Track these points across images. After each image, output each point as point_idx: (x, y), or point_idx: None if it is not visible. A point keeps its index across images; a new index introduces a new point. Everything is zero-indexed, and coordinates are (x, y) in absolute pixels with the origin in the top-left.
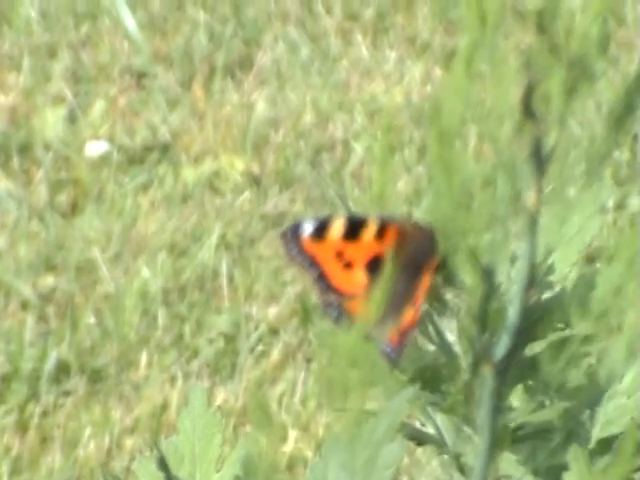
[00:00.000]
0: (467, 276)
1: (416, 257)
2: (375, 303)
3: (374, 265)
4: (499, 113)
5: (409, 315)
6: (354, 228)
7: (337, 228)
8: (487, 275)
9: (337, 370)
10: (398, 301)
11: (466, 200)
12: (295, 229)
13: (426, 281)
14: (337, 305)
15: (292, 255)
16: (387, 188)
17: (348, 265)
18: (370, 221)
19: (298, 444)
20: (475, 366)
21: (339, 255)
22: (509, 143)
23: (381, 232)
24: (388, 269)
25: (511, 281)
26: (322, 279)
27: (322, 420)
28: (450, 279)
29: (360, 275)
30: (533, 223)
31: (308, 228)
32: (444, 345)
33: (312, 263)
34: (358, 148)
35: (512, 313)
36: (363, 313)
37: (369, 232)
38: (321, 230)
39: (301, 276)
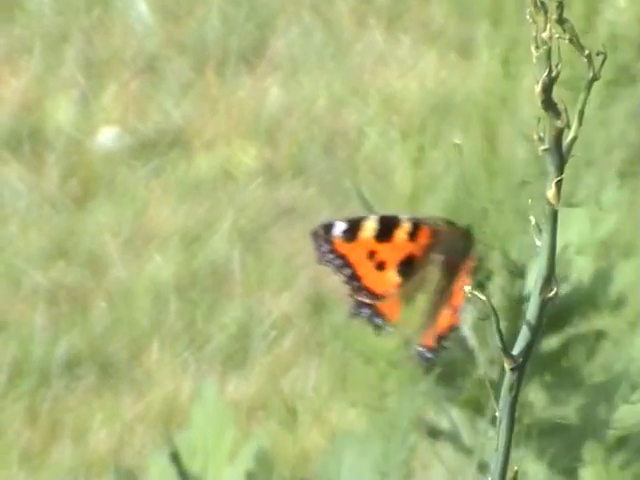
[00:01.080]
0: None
1: (450, 258)
2: (416, 310)
3: (406, 265)
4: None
5: (447, 317)
6: (386, 228)
7: (369, 228)
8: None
9: (358, 368)
10: (434, 302)
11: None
12: (326, 229)
13: (463, 283)
14: (369, 305)
15: (323, 255)
16: (419, 189)
17: (380, 265)
18: (403, 221)
19: (311, 431)
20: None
21: (371, 255)
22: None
23: (414, 232)
24: (432, 274)
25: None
26: (354, 279)
27: (335, 407)
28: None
29: (392, 275)
30: (553, 216)
31: (340, 228)
32: (459, 339)
33: (344, 263)
34: (372, 134)
35: (531, 307)
36: (402, 319)
37: (402, 232)
38: (353, 230)
39: (313, 262)
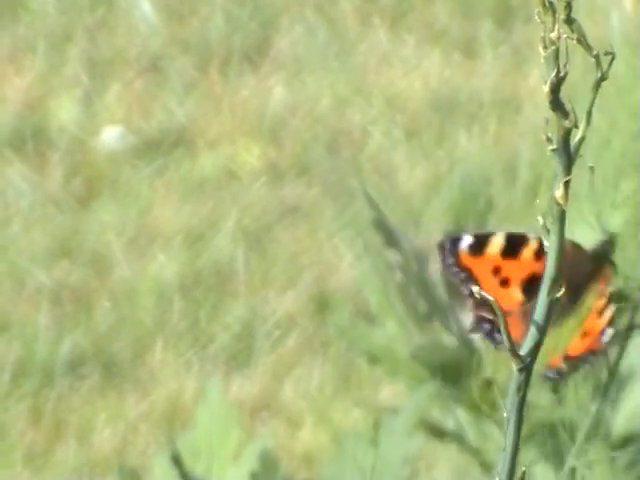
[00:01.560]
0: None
1: (576, 279)
2: (565, 338)
3: (530, 284)
4: None
5: (581, 341)
6: (513, 245)
7: (496, 244)
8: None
9: (362, 368)
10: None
11: None
12: (453, 241)
13: (597, 306)
14: (490, 321)
15: (448, 267)
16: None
17: (504, 282)
18: (530, 239)
19: (314, 430)
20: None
21: (496, 271)
22: None
23: (540, 251)
24: (586, 303)
25: None
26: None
27: (339, 407)
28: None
29: (516, 292)
30: (561, 216)
31: (466, 241)
32: (466, 340)
33: (468, 277)
34: (376, 133)
35: (539, 307)
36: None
37: (528, 250)
38: (479, 245)
39: (318, 262)
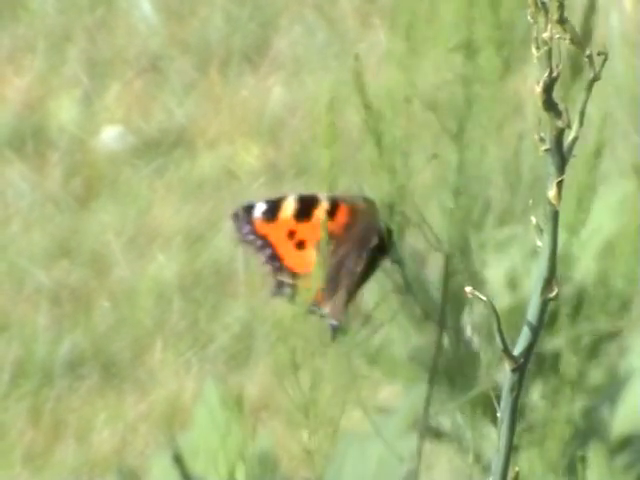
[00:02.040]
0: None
1: (363, 234)
2: (315, 278)
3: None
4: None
5: (348, 288)
6: (305, 208)
7: (288, 208)
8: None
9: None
10: (347, 278)
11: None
12: (247, 210)
13: (365, 256)
14: (290, 285)
15: (244, 236)
16: (334, 166)
17: (300, 245)
18: (321, 200)
19: (315, 432)
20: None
21: (291, 235)
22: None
23: (332, 211)
24: (323, 245)
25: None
26: (275, 259)
27: (338, 406)
28: (397, 256)
29: (312, 254)
30: (554, 216)
31: (260, 208)
32: (463, 341)
33: (264, 244)
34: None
35: (532, 308)
36: (304, 289)
37: (320, 211)
38: (273, 210)
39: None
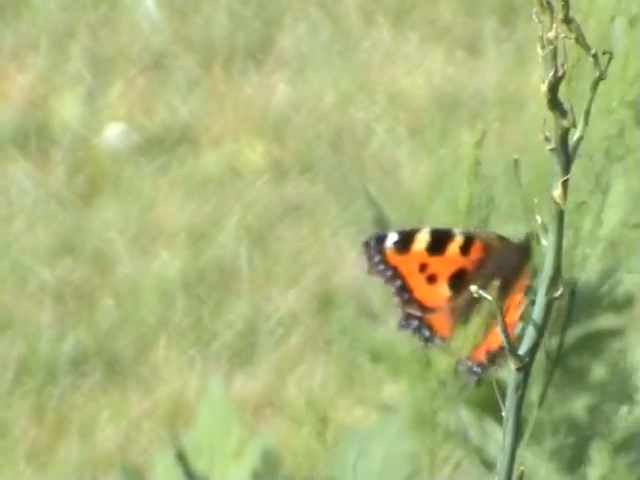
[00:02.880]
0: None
1: (503, 273)
2: (470, 335)
3: (458, 279)
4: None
5: (498, 335)
6: (438, 241)
7: (421, 240)
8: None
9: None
10: (484, 319)
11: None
12: (378, 239)
13: (516, 300)
14: (418, 318)
15: (374, 265)
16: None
17: (431, 278)
18: (455, 234)
19: (317, 428)
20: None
21: (422, 268)
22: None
23: (466, 246)
24: (491, 302)
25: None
26: (404, 291)
27: (342, 405)
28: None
29: (443, 289)
30: (559, 216)
31: (392, 239)
32: None
33: (394, 275)
34: (379, 130)
35: (537, 307)
36: (454, 333)
37: (454, 245)
38: (405, 242)
39: (321, 259)
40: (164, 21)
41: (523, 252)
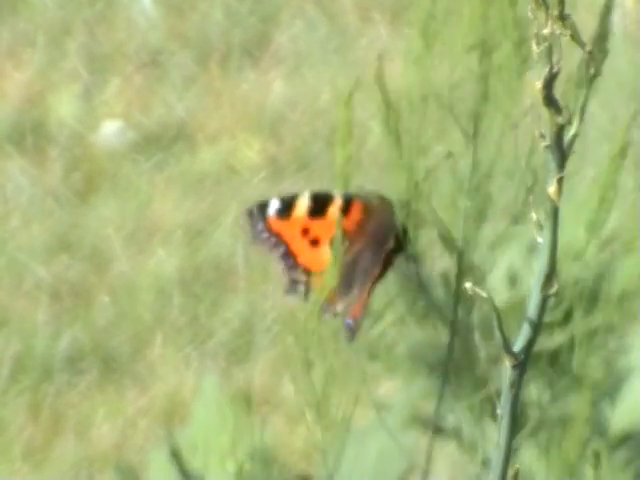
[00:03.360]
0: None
1: (379, 232)
2: (330, 277)
3: (337, 241)
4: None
5: (367, 289)
6: (320, 205)
7: (302, 205)
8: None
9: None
10: (363, 277)
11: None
12: (261, 207)
13: (383, 257)
14: (304, 282)
15: (257, 233)
16: (349, 164)
17: (314, 242)
18: (335, 197)
19: (314, 425)
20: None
21: (305, 232)
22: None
23: (346, 208)
24: (338, 243)
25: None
26: (288, 257)
27: (339, 400)
28: (412, 255)
29: (326, 252)
30: (554, 213)
31: (274, 206)
32: (463, 336)
33: (278, 241)
34: (376, 127)
35: (532, 304)
36: (318, 287)
37: (334, 208)
38: (286, 208)
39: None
40: (160, 18)
41: (392, 209)
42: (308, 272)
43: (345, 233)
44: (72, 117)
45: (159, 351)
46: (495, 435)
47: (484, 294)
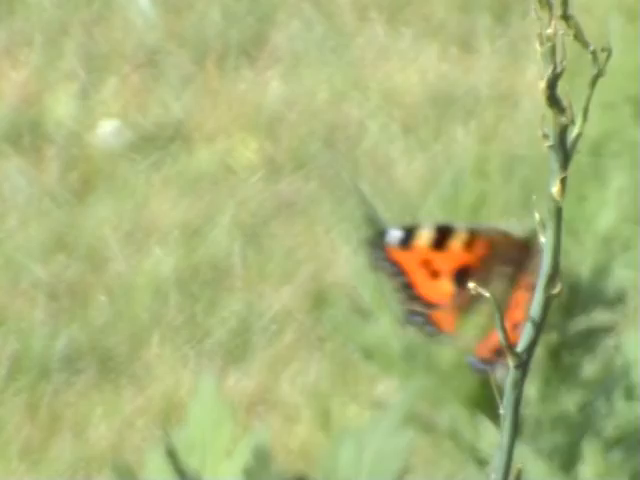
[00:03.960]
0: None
1: (506, 269)
2: (474, 322)
3: (460, 275)
4: None
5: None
6: (442, 237)
7: (424, 237)
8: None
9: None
10: (489, 314)
11: None
12: (381, 236)
13: (521, 296)
14: (423, 314)
15: (377, 262)
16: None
17: (435, 274)
18: (457, 230)
19: (311, 425)
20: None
21: (426, 264)
22: None
23: (469, 242)
24: (489, 298)
25: None
26: (408, 288)
27: (335, 402)
28: None
29: (447, 285)
30: (558, 213)
31: (395, 236)
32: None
33: (398, 271)
34: (372, 127)
35: (535, 304)
36: (459, 329)
37: (457, 242)
38: (408, 238)
39: (314, 256)
40: (157, 18)
41: (526, 248)
42: (427, 304)
43: (467, 267)
44: (69, 117)
45: (156, 350)
46: (491, 435)
47: (486, 293)
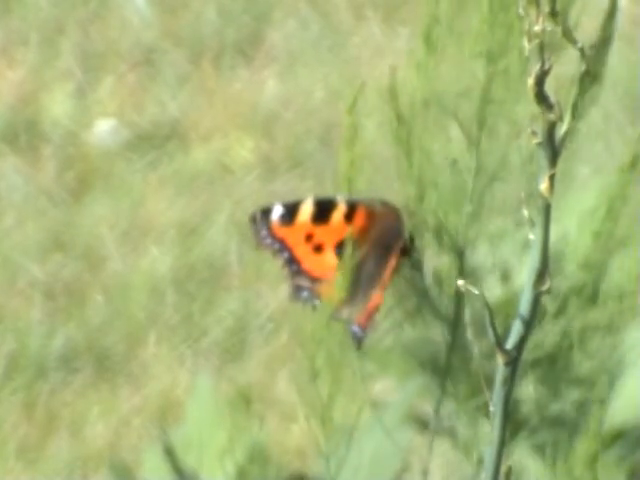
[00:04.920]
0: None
1: (385, 238)
2: (339, 285)
3: (343, 247)
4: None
5: (376, 296)
6: (323, 211)
7: (306, 211)
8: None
9: (305, 352)
10: (369, 282)
11: (431, 180)
12: (264, 213)
13: (392, 262)
14: (308, 288)
15: (261, 239)
16: (354, 168)
17: (318, 248)
18: (339, 203)
19: (308, 424)
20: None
21: (309, 238)
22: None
23: (350, 214)
24: (348, 251)
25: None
26: (292, 263)
27: (333, 400)
28: (417, 261)
29: (330, 258)
30: (546, 209)
31: (277, 212)
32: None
33: (282, 247)
34: (369, 126)
35: (524, 301)
36: (328, 294)
37: (338, 214)
38: (290, 214)
39: None
40: (154, 17)
41: (400, 215)
42: (312, 278)
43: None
44: (65, 116)
45: (153, 350)
46: (487, 432)
47: (476, 291)
